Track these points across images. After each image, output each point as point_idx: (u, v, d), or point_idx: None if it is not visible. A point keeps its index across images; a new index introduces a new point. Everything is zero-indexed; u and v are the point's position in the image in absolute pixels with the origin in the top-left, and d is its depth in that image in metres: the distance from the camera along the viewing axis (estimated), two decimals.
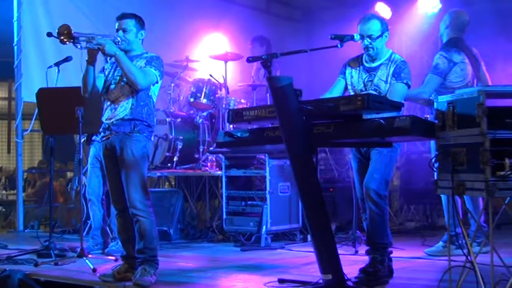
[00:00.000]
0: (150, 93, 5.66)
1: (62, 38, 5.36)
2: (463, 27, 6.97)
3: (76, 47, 5.43)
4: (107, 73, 5.76)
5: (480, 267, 4.45)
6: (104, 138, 5.68)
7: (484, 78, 6.94)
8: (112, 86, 5.67)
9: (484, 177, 4.13)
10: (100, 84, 5.69)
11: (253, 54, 8.56)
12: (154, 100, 5.74)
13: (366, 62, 5.73)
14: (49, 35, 5.82)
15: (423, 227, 9.18)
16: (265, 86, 8.73)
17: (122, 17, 5.70)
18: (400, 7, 9.83)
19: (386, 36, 5.67)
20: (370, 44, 5.59)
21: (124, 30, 5.66)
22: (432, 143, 6.53)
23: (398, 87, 5.51)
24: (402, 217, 9.69)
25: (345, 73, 5.80)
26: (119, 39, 5.61)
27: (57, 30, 5.38)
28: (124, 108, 5.57)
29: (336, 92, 5.75)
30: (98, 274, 5.82)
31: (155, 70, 5.60)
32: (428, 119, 5.91)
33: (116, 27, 5.70)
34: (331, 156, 8.92)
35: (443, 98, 4.59)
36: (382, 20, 5.71)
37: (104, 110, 5.71)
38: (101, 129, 5.72)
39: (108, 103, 5.67)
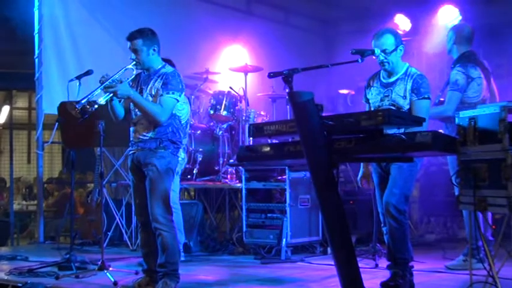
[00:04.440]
0: (173, 112, 5.64)
1: (75, 113, 5.39)
2: (470, 39, 6.91)
3: (97, 104, 5.46)
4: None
5: (501, 281, 4.45)
6: (131, 153, 5.73)
7: (493, 91, 6.91)
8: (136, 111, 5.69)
9: (506, 193, 4.13)
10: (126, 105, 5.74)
11: None
12: (180, 115, 5.72)
13: (383, 77, 5.73)
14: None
15: (443, 239, 9.12)
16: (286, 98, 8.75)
17: (129, 37, 5.64)
18: (420, 19, 9.80)
19: (401, 49, 5.66)
20: (386, 58, 5.59)
21: (135, 51, 5.63)
22: (449, 156, 6.50)
23: (423, 104, 5.50)
24: (422, 229, 9.63)
25: (366, 95, 5.82)
26: (134, 62, 5.63)
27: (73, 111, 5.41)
28: (148, 130, 5.60)
29: None
30: (118, 287, 5.85)
31: (172, 93, 5.56)
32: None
33: (128, 47, 5.68)
34: (351, 168, 8.91)
35: (465, 114, 4.57)
36: (395, 34, 5.70)
37: (131, 127, 5.75)
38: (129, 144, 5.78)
39: (134, 123, 5.71)
